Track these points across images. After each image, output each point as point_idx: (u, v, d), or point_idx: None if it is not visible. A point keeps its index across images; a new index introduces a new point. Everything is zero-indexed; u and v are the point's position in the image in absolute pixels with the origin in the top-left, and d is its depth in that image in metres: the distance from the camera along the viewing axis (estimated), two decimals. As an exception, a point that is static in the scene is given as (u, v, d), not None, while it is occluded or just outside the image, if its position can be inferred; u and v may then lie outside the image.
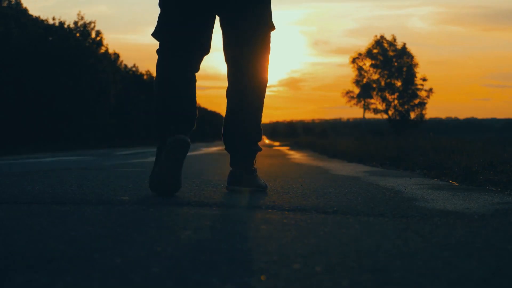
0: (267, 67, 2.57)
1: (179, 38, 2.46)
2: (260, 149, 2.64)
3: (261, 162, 6.08)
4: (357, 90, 32.38)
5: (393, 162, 5.74)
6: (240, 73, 2.53)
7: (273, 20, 2.59)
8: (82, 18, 24.05)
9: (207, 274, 1.10)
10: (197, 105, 2.56)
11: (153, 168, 2.43)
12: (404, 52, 32.89)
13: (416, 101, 32.76)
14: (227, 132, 2.59)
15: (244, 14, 2.48)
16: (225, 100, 2.62)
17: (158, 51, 2.51)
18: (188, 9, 2.43)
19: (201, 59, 2.54)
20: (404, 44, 33.16)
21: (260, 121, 2.62)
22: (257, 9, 2.49)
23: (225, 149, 2.64)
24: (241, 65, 2.53)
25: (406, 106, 32.71)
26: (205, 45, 2.51)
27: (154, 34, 2.52)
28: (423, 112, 32.80)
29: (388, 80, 32.68)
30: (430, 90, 32.91)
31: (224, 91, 2.63)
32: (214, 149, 16.15)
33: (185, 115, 2.46)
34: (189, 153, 11.33)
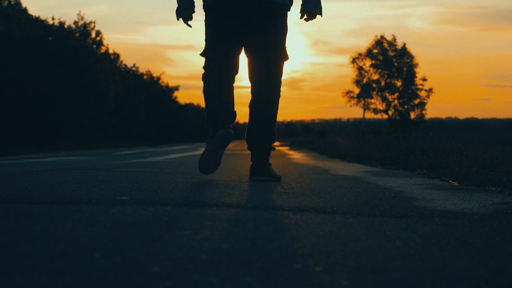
0: (280, 87, 3.32)
1: (219, 58, 3.26)
2: (274, 149, 3.40)
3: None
4: (357, 90, 32.34)
5: (393, 162, 5.74)
6: (261, 90, 3.28)
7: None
8: (82, 18, 24.05)
9: (207, 274, 1.10)
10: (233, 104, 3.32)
11: (202, 153, 3.23)
12: (404, 52, 32.86)
13: (416, 101, 32.72)
14: (249, 136, 3.34)
15: (265, 47, 3.24)
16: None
17: (204, 68, 3.32)
18: (224, 42, 3.24)
19: (234, 76, 3.32)
20: (404, 44, 33.13)
21: (275, 127, 3.33)
22: (275, 43, 3.24)
23: (248, 148, 3.36)
24: (261, 85, 3.28)
25: (406, 106, 32.67)
26: (236, 66, 3.31)
27: (202, 54, 3.32)
28: (423, 112, 32.77)
29: (388, 80, 32.65)
30: (430, 90, 32.87)
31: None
32: (214, 149, 16.14)
33: (228, 113, 3.25)
34: (189, 153, 11.27)
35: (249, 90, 3.37)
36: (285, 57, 3.29)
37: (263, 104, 3.28)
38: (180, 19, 3.33)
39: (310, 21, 3.31)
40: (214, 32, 3.26)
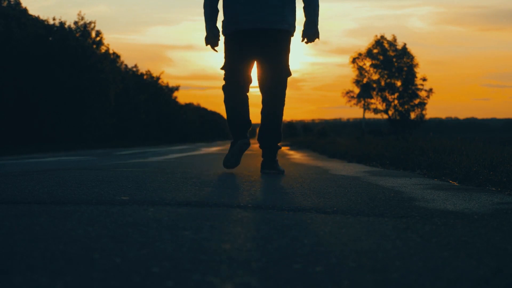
0: (284, 97, 4.08)
1: (236, 73, 4.04)
2: (280, 147, 4.13)
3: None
4: (357, 90, 32.34)
5: (393, 162, 5.74)
6: (269, 101, 4.05)
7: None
8: (82, 18, 24.03)
9: (207, 274, 1.10)
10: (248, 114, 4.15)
11: (227, 154, 4.12)
12: (404, 52, 32.86)
13: (416, 101, 32.73)
14: (260, 139, 4.11)
15: (273, 64, 3.99)
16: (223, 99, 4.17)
17: (224, 79, 4.10)
18: (240, 57, 4.03)
19: (249, 87, 4.09)
20: (405, 44, 33.12)
21: (281, 129, 4.11)
22: (280, 62, 3.99)
23: (259, 146, 4.12)
24: (269, 96, 4.04)
25: (406, 106, 32.67)
26: (250, 77, 4.09)
27: (222, 68, 4.09)
28: (423, 112, 32.78)
29: (388, 80, 32.65)
30: (430, 90, 32.88)
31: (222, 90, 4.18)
32: (214, 149, 16.15)
33: (245, 124, 4.10)
34: (189, 153, 11.26)
35: (258, 89, 4.14)
36: (288, 73, 4.04)
37: (271, 113, 4.04)
38: (208, 46, 4.13)
39: (309, 43, 4.07)
40: (232, 53, 4.04)
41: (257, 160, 6.11)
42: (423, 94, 32.78)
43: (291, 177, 3.78)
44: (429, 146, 6.24)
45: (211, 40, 4.09)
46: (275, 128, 4.07)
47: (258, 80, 4.08)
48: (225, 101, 4.13)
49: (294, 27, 4.06)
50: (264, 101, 4.07)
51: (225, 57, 4.10)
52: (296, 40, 4.15)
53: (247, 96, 4.12)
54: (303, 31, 4.04)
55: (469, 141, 6.13)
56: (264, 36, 3.93)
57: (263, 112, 4.08)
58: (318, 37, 4.05)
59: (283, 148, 18.45)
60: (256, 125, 4.53)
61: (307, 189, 2.86)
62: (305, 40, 4.04)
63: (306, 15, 4.06)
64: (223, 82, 4.16)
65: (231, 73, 4.06)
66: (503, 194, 2.79)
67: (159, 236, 1.46)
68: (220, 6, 4.12)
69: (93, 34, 24.31)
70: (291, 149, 17.19)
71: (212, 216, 1.85)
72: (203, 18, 4.14)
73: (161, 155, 9.87)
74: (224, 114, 4.29)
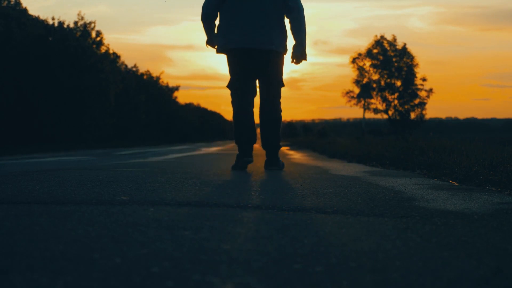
0: (280, 105, 4.57)
1: (242, 88, 4.50)
2: (281, 146, 4.58)
3: (262, 162, 6.08)
4: (357, 90, 32.34)
5: (393, 162, 5.73)
6: (268, 106, 4.51)
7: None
8: (82, 18, 24.01)
9: (207, 274, 1.10)
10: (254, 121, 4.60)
11: (233, 165, 4.59)
12: (404, 52, 32.85)
13: (416, 101, 32.72)
14: (263, 141, 4.55)
15: (270, 80, 4.48)
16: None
17: (231, 95, 4.56)
18: (242, 76, 4.47)
19: (253, 100, 4.57)
20: (405, 44, 33.12)
21: (280, 131, 4.56)
22: (275, 76, 4.48)
23: (262, 147, 4.56)
24: (268, 102, 4.50)
25: (406, 106, 32.67)
26: (254, 91, 4.56)
27: (228, 86, 4.55)
28: (423, 112, 32.78)
29: (388, 80, 32.65)
30: (430, 90, 32.88)
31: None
32: (214, 149, 16.14)
33: (251, 138, 4.51)
34: (189, 153, 11.25)
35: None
36: (281, 84, 4.54)
37: (269, 118, 4.49)
38: (209, 46, 4.63)
39: (298, 64, 4.51)
40: (234, 70, 4.47)
41: (257, 160, 6.11)
42: (423, 94, 32.78)
43: (291, 177, 3.77)
44: (429, 146, 6.23)
45: (211, 42, 4.60)
46: (275, 133, 4.51)
47: (260, 89, 4.56)
48: (234, 116, 4.55)
49: (283, 47, 4.47)
50: (262, 109, 4.52)
51: (230, 74, 4.54)
52: (286, 60, 4.55)
53: (252, 109, 4.53)
54: (292, 53, 4.47)
55: (469, 141, 6.12)
56: (260, 55, 4.38)
57: (261, 116, 4.53)
58: (305, 59, 4.48)
59: (283, 148, 18.47)
60: (257, 125, 4.66)
61: (307, 189, 2.86)
62: (294, 60, 4.49)
63: (293, 37, 4.49)
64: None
65: (236, 88, 4.49)
66: (503, 194, 2.79)
67: (159, 236, 1.46)
68: (216, 22, 4.59)
69: (93, 34, 24.29)
70: (291, 149, 17.18)
71: (212, 216, 1.85)
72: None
73: (161, 155, 9.87)
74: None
